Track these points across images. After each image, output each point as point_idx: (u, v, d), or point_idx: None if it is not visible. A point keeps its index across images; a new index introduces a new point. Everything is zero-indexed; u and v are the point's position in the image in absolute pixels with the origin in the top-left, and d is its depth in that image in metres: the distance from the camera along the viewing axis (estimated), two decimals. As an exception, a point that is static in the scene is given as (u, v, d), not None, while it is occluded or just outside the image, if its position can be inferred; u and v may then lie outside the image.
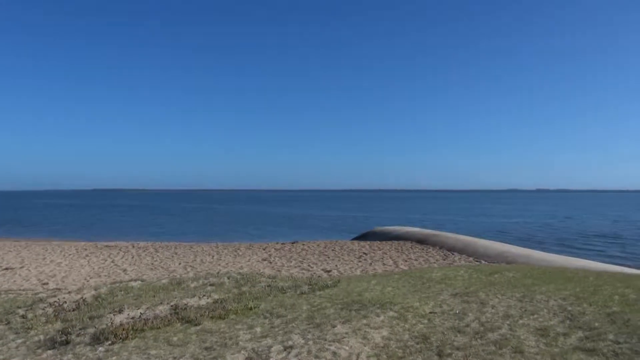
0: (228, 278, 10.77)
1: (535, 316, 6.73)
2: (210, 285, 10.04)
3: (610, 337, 5.67)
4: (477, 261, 19.42)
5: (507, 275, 10.11)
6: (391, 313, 7.10)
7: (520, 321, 6.52)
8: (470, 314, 6.97)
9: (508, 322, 6.48)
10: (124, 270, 18.37)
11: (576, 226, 49.40)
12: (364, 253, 22.70)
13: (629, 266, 19.60)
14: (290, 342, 5.94)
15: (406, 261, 19.84)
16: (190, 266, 19.04)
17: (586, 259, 21.35)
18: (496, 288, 8.70)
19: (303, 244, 27.40)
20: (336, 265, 18.94)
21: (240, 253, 23.39)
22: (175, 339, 6.44)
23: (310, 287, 9.46)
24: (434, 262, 19.27)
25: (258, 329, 6.65)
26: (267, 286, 9.68)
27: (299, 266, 18.99)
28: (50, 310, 8.39)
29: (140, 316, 7.49)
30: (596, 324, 6.18)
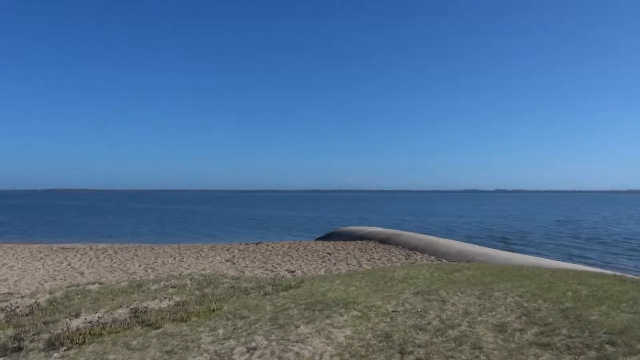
0: (190, 280, 10.60)
1: (494, 313, 6.93)
2: (172, 287, 9.85)
3: (564, 331, 5.90)
4: (438, 260, 19.81)
5: (467, 273, 10.36)
6: (354, 312, 7.16)
7: (479, 318, 6.70)
8: (431, 312, 7.11)
9: (467, 319, 6.65)
10: (81, 273, 17.79)
11: (524, 225, 51.32)
12: (328, 253, 22.79)
13: (584, 264, 20.46)
14: (253, 344, 5.90)
15: (369, 261, 20.03)
16: (151, 268, 18.62)
17: (540, 256, 22.16)
18: (456, 286, 8.90)
19: (267, 245, 27.26)
20: (300, 266, 18.94)
21: (203, 254, 23.05)
22: (134, 343, 6.29)
23: (274, 287, 9.42)
24: (397, 262, 19.54)
25: (221, 331, 6.57)
26: (230, 287, 9.58)
27: (263, 267, 18.88)
28: (1, 315, 8.03)
29: (98, 320, 7.28)
30: (551, 320, 6.42)
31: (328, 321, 6.72)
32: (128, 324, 7.00)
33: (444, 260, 19.47)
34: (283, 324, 6.67)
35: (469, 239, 32.03)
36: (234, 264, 19.91)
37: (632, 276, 12.14)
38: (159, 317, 7.21)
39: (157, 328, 6.85)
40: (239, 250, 24.85)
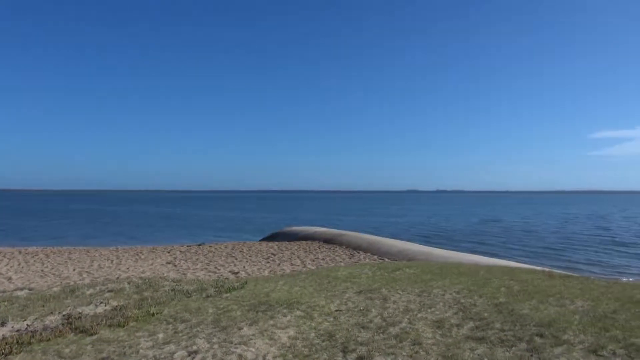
0: (128, 283, 10.22)
1: (433, 309, 7.17)
2: (109, 291, 9.46)
3: (497, 325, 6.20)
4: (380, 259, 20.21)
5: (408, 271, 10.64)
6: (298, 312, 7.17)
7: (419, 315, 6.91)
8: (373, 310, 7.24)
9: (408, 316, 6.84)
10: (9, 278, 16.70)
11: (452, 224, 53.72)
12: (272, 254, 22.69)
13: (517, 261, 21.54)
14: (194, 347, 5.77)
15: (314, 261, 20.13)
16: (87, 272, 17.78)
17: (475, 254, 23.15)
18: (398, 284, 9.12)
19: (210, 246, 26.77)
20: (244, 267, 18.74)
21: (143, 257, 22.28)
22: (67, 350, 5.98)
23: (216, 289, 9.27)
24: (341, 261, 19.75)
25: (160, 335, 6.38)
26: (171, 290, 9.33)
27: (206, 268, 18.51)
28: None
29: (27, 328, 6.87)
30: (485, 314, 6.72)
31: (271, 322, 6.69)
32: (60, 331, 6.64)
33: (387, 259, 19.89)
34: (226, 326, 6.58)
35: (409, 238, 32.94)
36: (175, 266, 19.39)
37: (559, 272, 12.93)
38: (94, 323, 6.90)
39: (92, 334, 6.55)
40: (180, 252, 24.23)
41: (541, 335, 5.69)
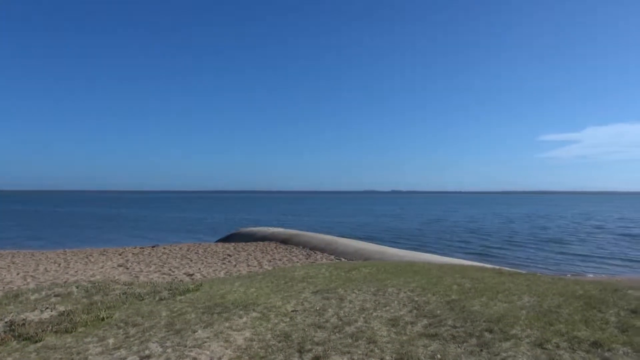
0: (77, 287, 9.82)
1: (387, 308, 7.28)
2: (55, 296, 9.06)
3: (449, 322, 6.36)
4: (337, 259, 20.35)
5: (364, 271, 10.76)
6: (254, 314, 7.12)
7: (374, 313, 7.00)
8: (329, 310, 7.28)
9: (363, 315, 6.91)
10: (-55, 284, 15.72)
11: (407, 224, 54.93)
12: (229, 255, 22.41)
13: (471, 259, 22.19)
14: (147, 352, 5.62)
15: (270, 261, 20.03)
16: (32, 276, 16.97)
17: (427, 253, 23.71)
18: (354, 284, 9.21)
19: (164, 248, 26.16)
20: (199, 269, 18.41)
21: (93, 260, 21.50)
22: (9, 359, 5.69)
23: (170, 292, 9.06)
24: (298, 262, 19.75)
25: (111, 341, 6.17)
26: (123, 294, 9.04)
27: (160, 271, 18.07)
28: None
29: (-36, 337, 6.48)
30: (438, 312, 6.89)
31: (227, 324, 6.61)
32: (2, 339, 6.32)
33: (343, 259, 20.04)
34: (180, 330, 6.44)
35: (364, 238, 33.32)
36: (127, 268, 18.82)
37: (508, 269, 13.42)
38: (39, 330, 6.60)
39: (36, 341, 6.26)
40: (133, 254, 23.54)
41: (490, 331, 5.89)
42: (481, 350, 5.34)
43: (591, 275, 20.76)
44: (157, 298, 8.63)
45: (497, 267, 15.01)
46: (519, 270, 12.94)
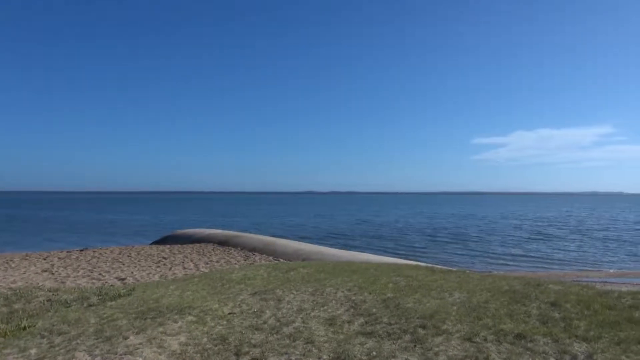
0: (-5, 295, 9.15)
1: (325, 307, 7.34)
2: (-30, 305, 8.39)
3: (385, 320, 6.52)
4: (276, 260, 20.27)
5: (302, 271, 10.79)
6: (190, 317, 6.94)
7: (312, 313, 7.04)
8: (267, 311, 7.24)
9: (301, 316, 6.93)
10: None
11: (344, 224, 56.08)
12: (164, 257, 21.72)
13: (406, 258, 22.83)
14: (73, 361, 5.33)
15: (207, 264, 19.62)
16: (-58, 284, 15.62)
17: (362, 252, 24.21)
18: (292, 284, 9.21)
19: (94, 251, 24.93)
20: (132, 272, 17.71)
21: (14, 265, 20.09)
22: None
23: (100, 297, 8.64)
24: (236, 263, 19.48)
25: (33, 351, 5.80)
26: (47, 301, 8.52)
27: (89, 276, 17.19)
28: None
29: None
30: (374, 310, 7.04)
31: (161, 329, 6.40)
32: None
33: (282, 260, 20.00)
34: (110, 337, 6.16)
35: (302, 238, 33.50)
36: (53, 274, 17.76)
37: (440, 267, 13.95)
38: (-49, 342, 6.08)
39: (-53, 355, 5.77)
40: (59, 258, 22.24)
41: (424, 327, 6.09)
42: (415, 345, 5.51)
43: (519, 272, 22.01)
44: (85, 304, 8.21)
45: (430, 265, 15.55)
46: (451, 268, 13.48)
